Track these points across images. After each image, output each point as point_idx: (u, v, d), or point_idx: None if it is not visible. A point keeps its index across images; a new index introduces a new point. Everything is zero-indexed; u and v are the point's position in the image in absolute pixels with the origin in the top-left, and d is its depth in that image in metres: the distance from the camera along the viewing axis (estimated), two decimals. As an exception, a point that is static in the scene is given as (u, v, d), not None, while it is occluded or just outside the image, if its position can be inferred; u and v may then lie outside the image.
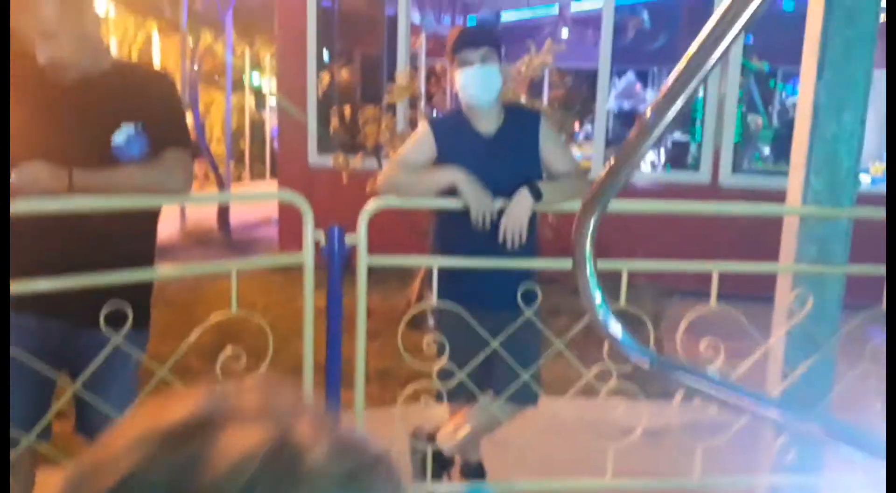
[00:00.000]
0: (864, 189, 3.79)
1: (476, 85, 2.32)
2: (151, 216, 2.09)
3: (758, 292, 3.03)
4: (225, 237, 8.34)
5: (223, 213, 8.53)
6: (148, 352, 2.14)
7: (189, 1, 8.15)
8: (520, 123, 2.44)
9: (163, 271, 2.01)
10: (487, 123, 2.40)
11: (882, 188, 7.23)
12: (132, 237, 1.97)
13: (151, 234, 2.12)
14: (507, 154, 2.36)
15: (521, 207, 2.21)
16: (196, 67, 8.83)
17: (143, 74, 2.00)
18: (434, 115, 4.77)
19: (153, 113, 1.88)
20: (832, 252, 2.43)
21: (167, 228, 7.99)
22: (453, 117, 2.48)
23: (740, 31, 0.76)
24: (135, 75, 1.96)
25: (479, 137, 2.39)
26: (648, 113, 0.83)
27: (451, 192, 2.28)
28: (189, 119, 8.29)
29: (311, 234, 2.09)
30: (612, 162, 0.88)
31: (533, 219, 2.46)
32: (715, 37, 0.78)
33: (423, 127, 2.44)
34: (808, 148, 2.39)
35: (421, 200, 2.41)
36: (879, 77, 2.53)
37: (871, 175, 8.08)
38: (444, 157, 2.37)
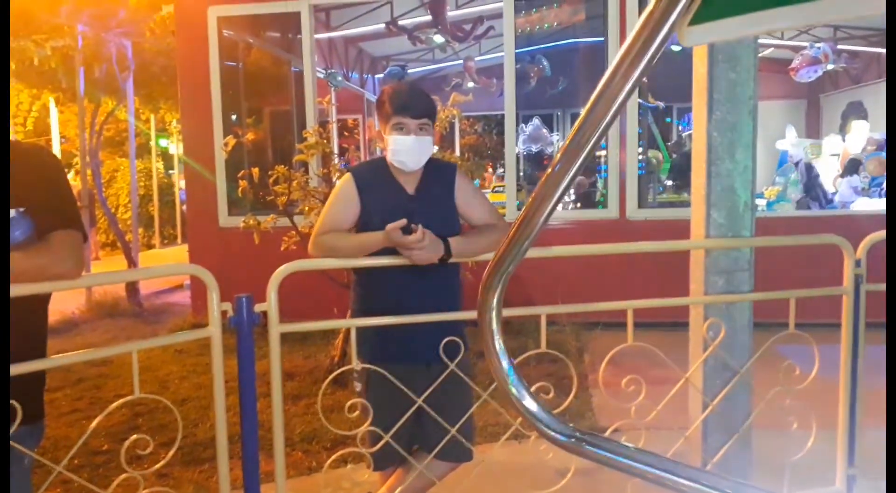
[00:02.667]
0: (760, 213, 4.00)
1: (410, 154, 2.34)
2: (40, 303, 1.92)
3: (675, 319, 3.13)
4: (134, 307, 7.98)
5: (132, 282, 8.19)
6: (50, 438, 1.98)
7: (86, 69, 7.92)
8: (438, 177, 2.46)
9: (53, 359, 1.85)
10: (410, 179, 2.41)
11: (777, 211, 7.66)
12: (18, 327, 1.78)
13: (40, 321, 1.95)
14: (427, 209, 2.37)
15: (430, 252, 2.21)
16: (97, 135, 8.52)
17: (22, 153, 1.83)
18: (354, 164, 4.76)
19: (35, 193, 1.76)
20: (738, 280, 2.53)
21: (72, 300, 7.58)
22: (375, 168, 2.46)
23: (636, 80, 0.78)
24: (13, 154, 1.81)
25: (402, 193, 2.39)
26: (550, 169, 0.83)
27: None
28: (79, 187, 7.97)
29: (217, 307, 2.01)
30: (512, 233, 0.87)
31: (455, 269, 2.46)
32: (613, 86, 0.79)
33: (346, 180, 2.41)
34: (706, 184, 2.51)
35: (338, 261, 2.37)
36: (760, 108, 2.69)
37: (766, 199, 8.56)
38: (367, 210, 2.36)
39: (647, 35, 0.72)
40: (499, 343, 0.86)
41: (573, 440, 0.83)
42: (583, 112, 0.81)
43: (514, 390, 0.85)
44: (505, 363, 0.86)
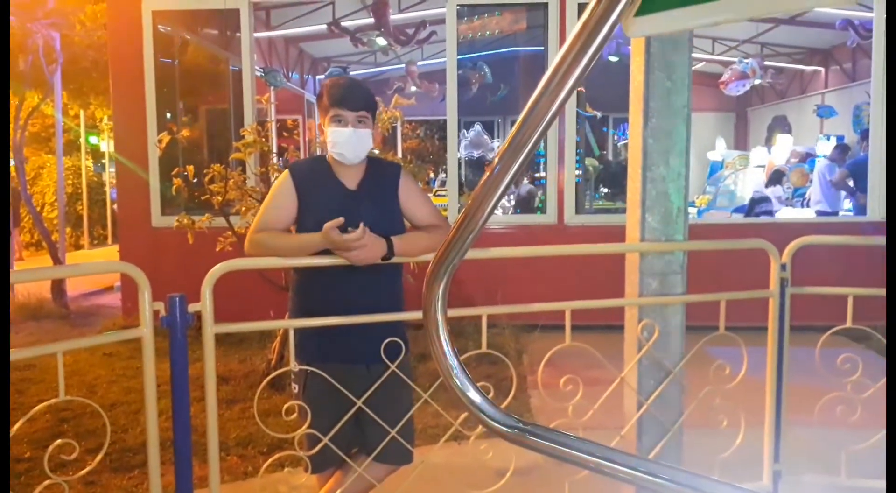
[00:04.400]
0: (691, 221, 4.12)
1: (348, 146, 2.32)
2: None
3: (610, 322, 3.20)
4: (61, 309, 7.66)
5: (58, 282, 7.85)
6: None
7: (10, 61, 7.57)
8: (381, 175, 2.44)
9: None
10: (351, 175, 2.38)
11: (707, 218, 7.93)
12: None
13: None
14: (369, 207, 2.35)
15: (371, 251, 2.19)
16: (21, 130, 8.15)
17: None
18: (293, 161, 4.69)
19: None
20: (672, 283, 2.61)
21: (-8, 304, 7.22)
22: (315, 164, 2.43)
23: (573, 86, 0.79)
24: None
25: (342, 189, 2.36)
26: (489, 171, 0.84)
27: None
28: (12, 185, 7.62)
29: (148, 307, 1.94)
30: (456, 226, 0.88)
31: (398, 270, 2.45)
32: (549, 93, 0.80)
33: (283, 177, 2.38)
34: (641, 189, 2.58)
35: (277, 260, 2.32)
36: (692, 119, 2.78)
37: (697, 207, 8.85)
38: (306, 207, 2.33)
39: (594, 25, 0.73)
40: (444, 334, 0.86)
41: (516, 431, 0.84)
42: (536, 92, 0.81)
43: (457, 382, 0.85)
44: (449, 355, 0.86)
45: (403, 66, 11.70)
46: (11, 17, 7.29)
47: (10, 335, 6.26)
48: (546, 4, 6.44)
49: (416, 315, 2.24)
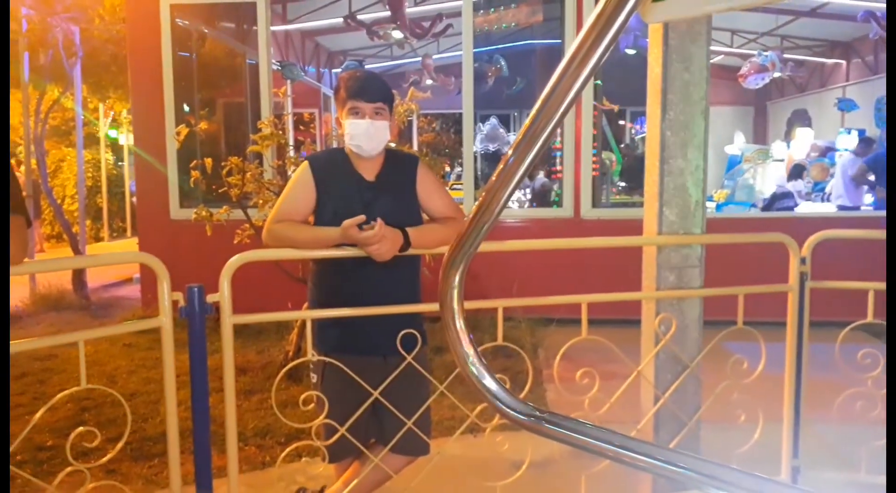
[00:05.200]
0: (710, 215, 4.11)
1: (365, 138, 2.32)
2: None
3: (626, 316, 3.19)
4: (81, 300, 7.75)
5: (79, 274, 7.94)
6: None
7: (30, 55, 7.65)
8: (399, 167, 2.45)
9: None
10: (369, 168, 2.39)
11: (725, 212, 7.87)
12: None
13: None
14: (387, 199, 2.36)
15: (390, 244, 2.20)
16: (41, 123, 8.24)
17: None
18: (314, 152, 4.71)
19: None
20: (689, 277, 2.60)
21: (15, 292, 7.33)
22: (333, 156, 2.44)
23: (589, 74, 0.78)
24: None
25: (360, 181, 2.37)
26: (504, 162, 0.84)
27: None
28: (22, 177, 7.71)
29: (167, 296, 1.96)
30: (472, 215, 0.88)
31: (415, 262, 2.46)
32: (565, 81, 0.79)
33: (303, 168, 2.39)
34: (659, 182, 2.56)
35: (295, 251, 2.33)
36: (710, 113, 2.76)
37: (716, 201, 8.79)
38: (324, 198, 2.34)
39: (611, 11, 0.72)
40: (460, 323, 0.86)
41: (533, 419, 0.84)
42: (552, 80, 0.80)
43: (474, 370, 0.85)
44: (466, 343, 0.86)
45: (419, 59, 11.69)
46: (31, 12, 7.37)
47: (32, 326, 6.33)
48: (563, -3, 6.41)
49: (432, 307, 2.25)
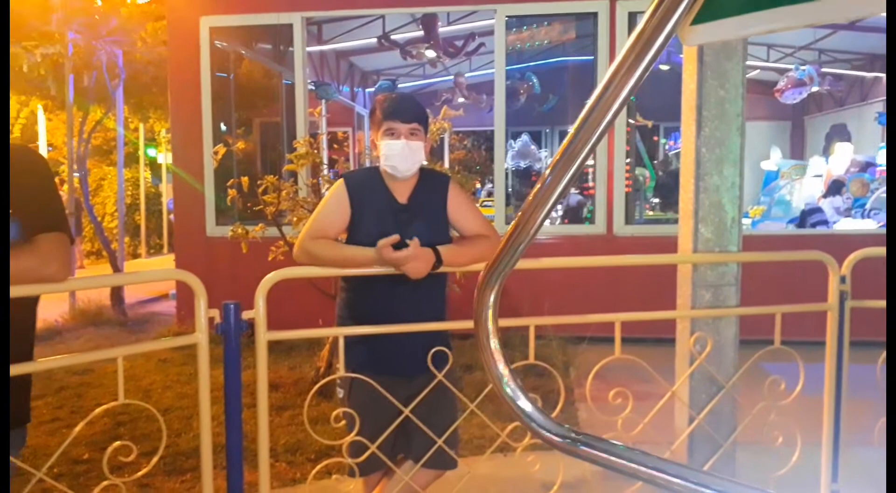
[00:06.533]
0: (746, 232, 4.03)
1: (400, 158, 2.34)
2: (28, 306, 1.90)
3: (660, 335, 3.14)
4: (119, 315, 7.91)
5: (117, 290, 8.11)
6: (30, 447, 1.94)
7: (75, 78, 7.89)
8: (431, 188, 2.47)
9: (39, 363, 1.83)
10: (402, 189, 2.41)
11: (762, 229, 7.73)
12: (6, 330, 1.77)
13: (28, 324, 1.93)
14: (419, 219, 2.37)
15: (423, 263, 2.21)
16: (85, 143, 8.47)
17: (10, 154, 1.82)
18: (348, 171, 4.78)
19: (22, 195, 1.74)
20: (725, 295, 2.55)
21: (55, 308, 7.50)
22: (368, 175, 2.46)
23: (627, 95, 0.78)
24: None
25: (393, 202, 2.40)
26: (541, 182, 0.84)
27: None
28: (65, 195, 7.91)
29: (204, 314, 1.99)
30: (508, 234, 0.88)
31: (442, 282, 2.46)
32: (604, 101, 0.80)
33: (338, 186, 2.41)
34: (694, 199, 2.53)
35: (326, 269, 2.36)
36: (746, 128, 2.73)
37: (752, 217, 8.63)
38: (357, 218, 2.36)
39: (650, 34, 0.72)
40: (494, 342, 0.86)
41: (569, 441, 0.83)
42: (590, 102, 0.81)
43: (508, 391, 0.85)
44: (500, 363, 0.86)
45: (452, 77, 11.78)
46: (77, 36, 7.60)
47: (72, 340, 6.46)
48: (596, 14, 6.40)
49: (460, 325, 2.25)
